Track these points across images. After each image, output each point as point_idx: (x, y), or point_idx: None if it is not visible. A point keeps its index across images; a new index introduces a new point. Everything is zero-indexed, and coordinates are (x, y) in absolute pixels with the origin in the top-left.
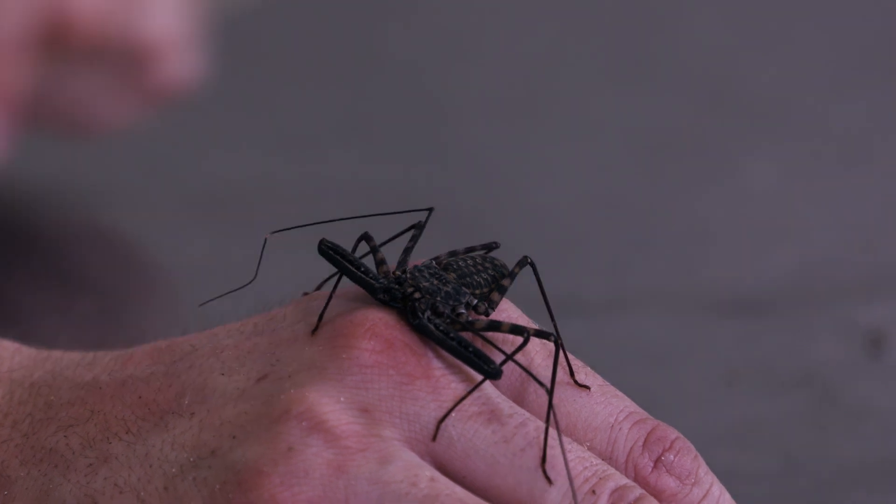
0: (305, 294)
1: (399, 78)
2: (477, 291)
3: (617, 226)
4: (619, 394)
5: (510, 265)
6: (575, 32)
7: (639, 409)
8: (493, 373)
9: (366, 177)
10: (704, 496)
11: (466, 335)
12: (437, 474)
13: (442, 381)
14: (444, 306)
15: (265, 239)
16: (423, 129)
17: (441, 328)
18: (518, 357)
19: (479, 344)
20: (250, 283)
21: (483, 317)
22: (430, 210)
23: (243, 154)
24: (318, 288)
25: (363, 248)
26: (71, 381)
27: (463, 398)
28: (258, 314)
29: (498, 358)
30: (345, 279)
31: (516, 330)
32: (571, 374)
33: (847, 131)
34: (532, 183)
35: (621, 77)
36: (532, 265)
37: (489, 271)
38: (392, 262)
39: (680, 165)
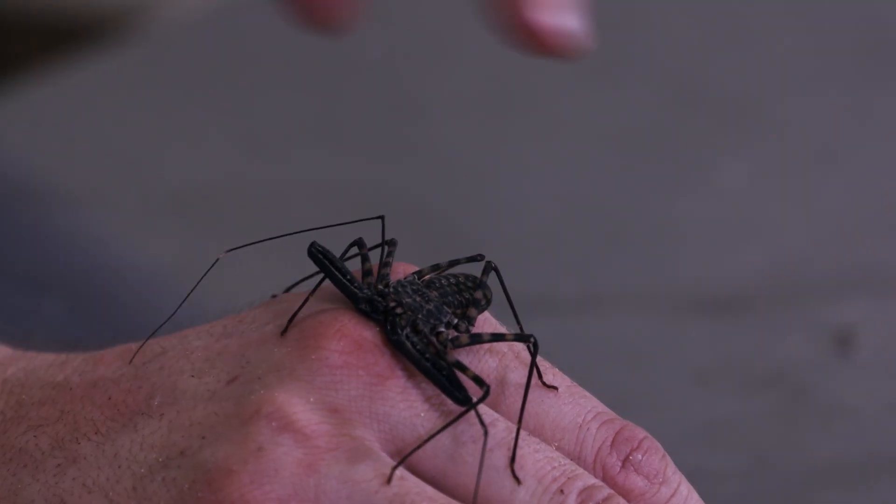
0: (274, 296)
1: (370, 77)
2: (458, 311)
3: (588, 225)
4: (587, 394)
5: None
6: None
7: (607, 410)
8: (462, 399)
9: (335, 177)
10: (672, 495)
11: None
12: (407, 473)
13: (411, 381)
14: (425, 324)
15: (216, 259)
16: (394, 129)
17: (418, 347)
18: (491, 359)
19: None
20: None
21: (464, 334)
22: (382, 217)
23: (212, 153)
24: (287, 290)
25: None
26: (42, 380)
27: (438, 432)
28: (228, 316)
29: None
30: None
31: (497, 338)
32: (539, 375)
33: (817, 131)
34: (503, 182)
35: (593, 75)
36: (496, 270)
37: (471, 290)
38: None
39: (651, 164)
